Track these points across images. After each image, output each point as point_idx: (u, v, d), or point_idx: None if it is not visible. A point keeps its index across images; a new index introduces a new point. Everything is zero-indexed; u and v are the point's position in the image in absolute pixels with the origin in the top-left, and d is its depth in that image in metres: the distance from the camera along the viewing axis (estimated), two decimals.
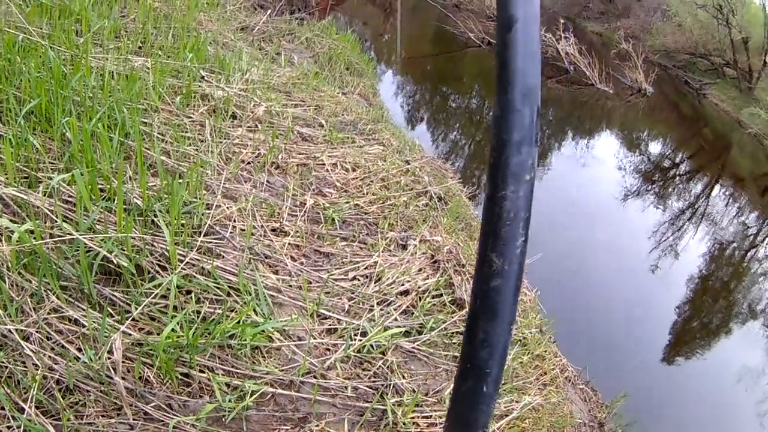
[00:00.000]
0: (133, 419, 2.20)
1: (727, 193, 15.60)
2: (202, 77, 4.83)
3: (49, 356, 2.23)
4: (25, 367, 2.17)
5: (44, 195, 2.81)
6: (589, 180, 13.60)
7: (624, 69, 20.55)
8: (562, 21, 19.48)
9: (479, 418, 0.93)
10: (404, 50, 18.65)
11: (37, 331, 2.29)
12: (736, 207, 14.69)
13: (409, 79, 17.09)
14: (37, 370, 2.17)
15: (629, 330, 7.87)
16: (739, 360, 8.18)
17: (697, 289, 10.09)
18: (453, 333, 3.48)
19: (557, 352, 4.61)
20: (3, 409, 2.04)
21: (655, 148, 18.50)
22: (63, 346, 2.30)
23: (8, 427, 2.01)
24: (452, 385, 0.98)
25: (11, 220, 2.66)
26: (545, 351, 4.15)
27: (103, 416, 2.18)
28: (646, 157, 16.77)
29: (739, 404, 7.42)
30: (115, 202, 2.80)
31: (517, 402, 3.31)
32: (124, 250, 2.65)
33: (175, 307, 2.58)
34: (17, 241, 2.43)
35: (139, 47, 4.90)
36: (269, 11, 9.30)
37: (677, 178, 15.64)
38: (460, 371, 0.92)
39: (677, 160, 17.50)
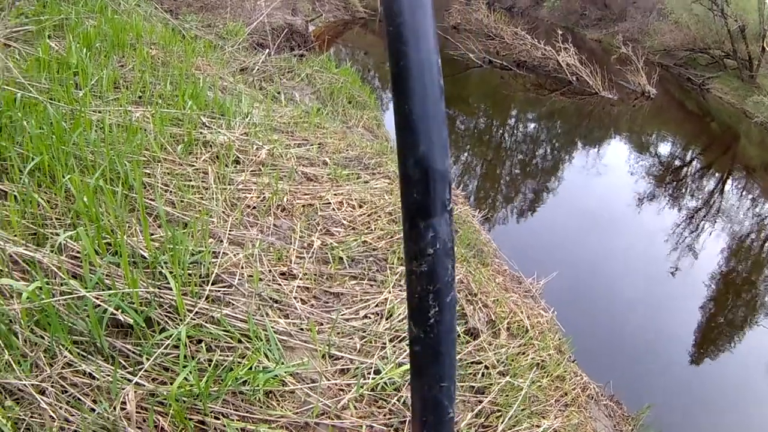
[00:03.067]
0: None
1: (740, 185, 15.55)
2: (203, 124, 4.85)
3: (65, 409, 2.24)
4: (42, 420, 2.18)
5: (51, 252, 2.83)
6: (603, 188, 13.58)
7: (626, 73, 20.54)
8: (560, 32, 19.54)
9: None
10: None
11: (51, 386, 2.30)
12: (750, 198, 14.63)
13: None
14: (54, 422, 2.18)
15: (653, 336, 7.79)
16: None
17: (719, 286, 9.98)
18: (468, 363, 3.46)
19: (577, 370, 4.57)
20: None
21: (665, 149, 18.47)
22: (78, 399, 2.30)
23: None
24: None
25: (21, 278, 2.68)
26: (565, 371, 4.12)
27: None
28: (657, 160, 16.73)
29: None
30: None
31: (537, 427, 3.28)
32: (132, 304, 2.67)
33: (186, 357, 2.58)
34: (27, 299, 2.45)
35: (139, 97, 4.95)
36: (267, 50, 9.34)
37: (689, 176, 15.61)
38: (412, 415, 0.96)
39: (688, 158, 17.47)
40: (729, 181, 15.62)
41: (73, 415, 2.24)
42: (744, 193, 15.00)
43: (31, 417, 2.19)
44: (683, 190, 14.48)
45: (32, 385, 2.26)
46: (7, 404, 2.19)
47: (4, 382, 2.25)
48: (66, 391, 2.33)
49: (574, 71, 19.18)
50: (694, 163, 16.92)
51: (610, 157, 16.17)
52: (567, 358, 4.45)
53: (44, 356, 2.41)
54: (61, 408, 2.24)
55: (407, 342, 0.89)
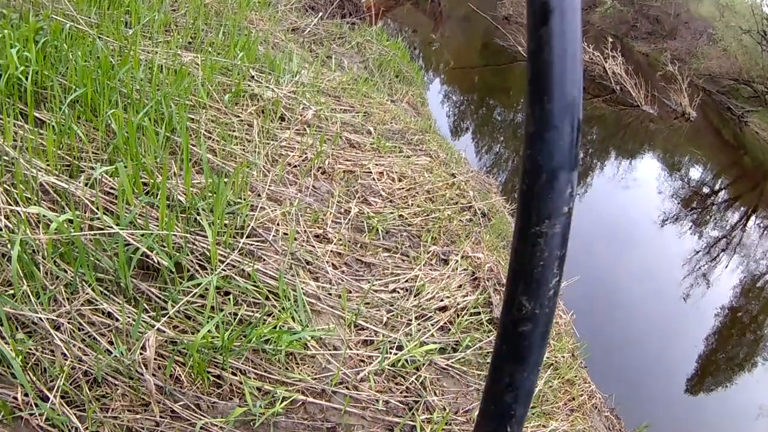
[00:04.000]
0: (160, 416, 2.17)
1: (763, 224, 15.38)
2: (252, 77, 4.80)
3: (79, 347, 2.20)
4: (54, 356, 2.14)
5: (85, 185, 2.79)
6: (629, 202, 13.46)
7: (669, 92, 20.28)
8: (610, 40, 19.32)
9: None
10: (451, 59, 18.60)
11: (68, 322, 2.26)
12: None
13: (455, 90, 17.05)
14: (66, 360, 2.14)
15: (659, 358, 7.75)
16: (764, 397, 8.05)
17: (727, 321, 9.94)
18: (488, 352, 3.41)
19: (587, 377, 4.53)
20: (26, 396, 2.02)
21: (695, 173, 18.23)
22: (94, 339, 2.27)
23: (30, 415, 1.98)
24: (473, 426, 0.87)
25: (50, 208, 2.65)
26: (575, 376, 4.07)
27: (129, 411, 2.14)
28: (685, 182, 16.54)
29: None
30: (158, 197, 2.78)
31: (544, 427, 3.24)
32: (164, 247, 2.63)
33: (212, 308, 2.54)
34: (55, 231, 2.41)
35: (189, 43, 4.91)
36: (320, 14, 9.28)
37: (715, 205, 15.44)
38: (483, 411, 0.85)
39: (716, 187, 17.26)
40: (753, 218, 15.44)
41: (86, 355, 2.20)
42: (766, 232, 14.84)
43: (43, 353, 2.16)
44: (707, 218, 14.34)
45: (48, 319, 2.22)
46: (19, 337, 2.16)
47: (18, 313, 2.21)
48: (82, 329, 2.30)
49: (619, 80, 18.95)
50: (722, 193, 16.74)
51: (640, 172, 16.03)
52: (579, 364, 4.40)
53: (65, 291, 2.37)
54: (75, 346, 2.20)
55: (503, 325, 0.74)
